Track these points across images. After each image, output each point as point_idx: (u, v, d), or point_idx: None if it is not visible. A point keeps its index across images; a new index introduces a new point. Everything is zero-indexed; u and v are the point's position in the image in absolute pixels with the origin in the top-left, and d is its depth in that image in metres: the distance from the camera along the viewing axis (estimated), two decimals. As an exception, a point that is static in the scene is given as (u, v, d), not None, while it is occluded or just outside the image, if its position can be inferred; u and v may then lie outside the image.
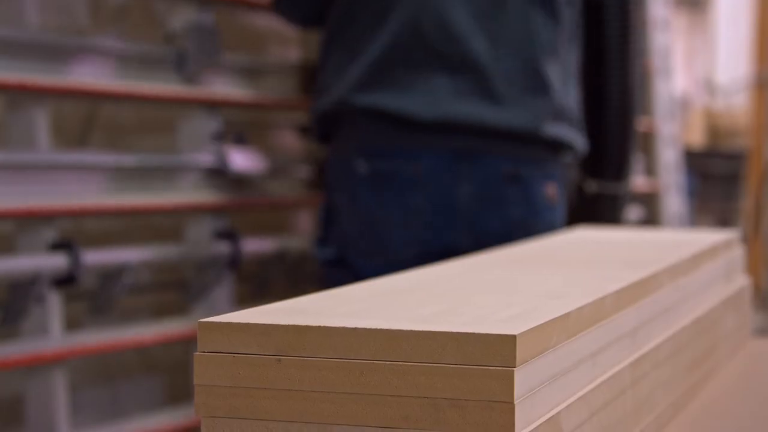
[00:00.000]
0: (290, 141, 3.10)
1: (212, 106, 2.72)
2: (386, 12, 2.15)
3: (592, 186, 2.55)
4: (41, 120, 2.45)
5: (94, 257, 2.47)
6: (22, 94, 2.41)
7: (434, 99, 2.10)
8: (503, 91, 2.10)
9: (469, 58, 2.10)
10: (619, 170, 2.54)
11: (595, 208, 2.58)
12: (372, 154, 2.17)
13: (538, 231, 2.09)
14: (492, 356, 0.79)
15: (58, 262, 2.36)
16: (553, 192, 2.17)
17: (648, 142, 5.17)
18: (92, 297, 2.58)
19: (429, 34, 2.11)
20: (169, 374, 3.13)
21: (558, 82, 2.16)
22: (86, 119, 2.88)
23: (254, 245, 2.72)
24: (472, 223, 2.10)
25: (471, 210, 2.10)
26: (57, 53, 2.47)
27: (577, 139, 2.22)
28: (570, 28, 2.21)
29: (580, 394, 0.91)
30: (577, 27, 2.26)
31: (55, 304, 2.45)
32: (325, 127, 2.25)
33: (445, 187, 2.09)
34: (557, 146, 2.16)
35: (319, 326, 0.83)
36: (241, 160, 2.66)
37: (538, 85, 2.13)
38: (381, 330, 0.82)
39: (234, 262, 2.69)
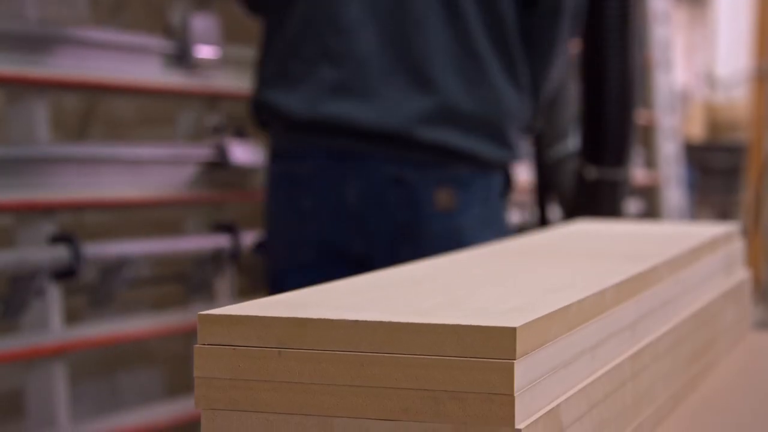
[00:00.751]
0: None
1: (212, 98, 2.72)
2: (289, 4, 2.07)
3: (592, 172, 2.55)
4: (40, 113, 2.44)
5: (95, 250, 2.47)
6: (22, 87, 2.41)
7: (313, 97, 2.00)
8: (381, 89, 1.98)
9: (353, 53, 1.99)
10: (618, 156, 2.54)
11: (595, 194, 2.58)
12: (274, 154, 2.12)
13: (429, 238, 1.98)
14: (492, 349, 0.79)
15: (58, 255, 2.36)
16: (447, 198, 2.00)
17: (648, 135, 5.17)
18: (92, 290, 2.58)
19: (320, 28, 2.01)
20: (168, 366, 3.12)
21: (454, 83, 2.00)
22: (85, 112, 2.87)
23: (254, 238, 2.72)
24: (362, 225, 2.00)
25: (359, 212, 1.99)
26: (56, 46, 2.47)
27: (480, 147, 2.03)
28: (500, 27, 2.05)
29: (580, 386, 0.91)
30: (534, 27, 2.11)
31: (55, 297, 2.45)
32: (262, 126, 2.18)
33: (333, 188, 2.00)
34: (445, 152, 2.00)
35: (320, 319, 0.83)
36: (241, 153, 2.66)
37: (421, 84, 1.99)
38: (381, 322, 0.82)
39: (234, 255, 2.69)
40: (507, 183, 2.13)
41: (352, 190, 1.99)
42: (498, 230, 2.06)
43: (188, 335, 2.77)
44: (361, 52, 1.99)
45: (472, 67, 2.01)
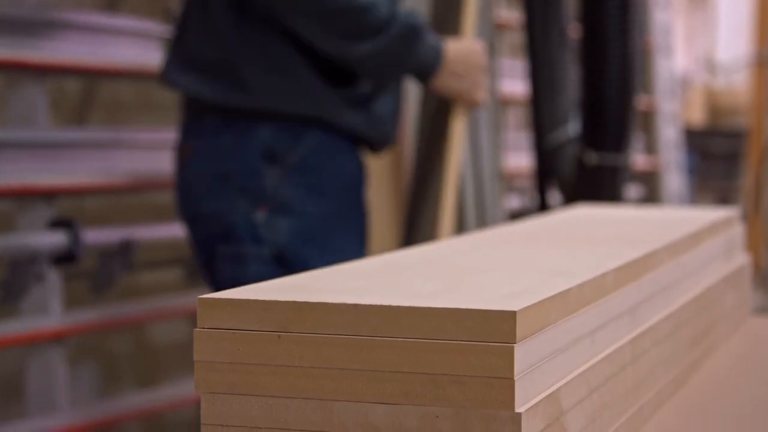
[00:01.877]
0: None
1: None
2: None
3: (592, 158, 2.55)
4: (40, 97, 2.44)
5: (94, 235, 2.47)
6: (21, 72, 2.41)
7: None
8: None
9: None
10: (618, 141, 2.53)
11: (595, 180, 2.58)
12: None
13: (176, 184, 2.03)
14: (492, 332, 0.79)
15: (57, 240, 2.36)
16: (185, 149, 2.02)
17: (648, 120, 5.17)
18: (92, 275, 2.58)
19: None
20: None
21: (198, 33, 1.97)
22: (85, 97, 2.87)
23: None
24: None
25: None
26: (56, 30, 2.47)
27: (208, 90, 1.96)
28: None
29: (580, 370, 0.91)
30: None
31: (54, 282, 2.45)
32: None
33: None
34: (189, 98, 2.01)
35: (320, 302, 0.83)
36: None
37: (176, 35, 2.03)
38: (381, 306, 0.81)
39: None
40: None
41: None
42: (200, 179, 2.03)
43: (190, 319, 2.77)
44: None
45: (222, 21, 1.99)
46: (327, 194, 1.95)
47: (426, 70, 2.03)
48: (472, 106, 2.17)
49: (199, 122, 1.96)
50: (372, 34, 1.92)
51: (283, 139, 1.92)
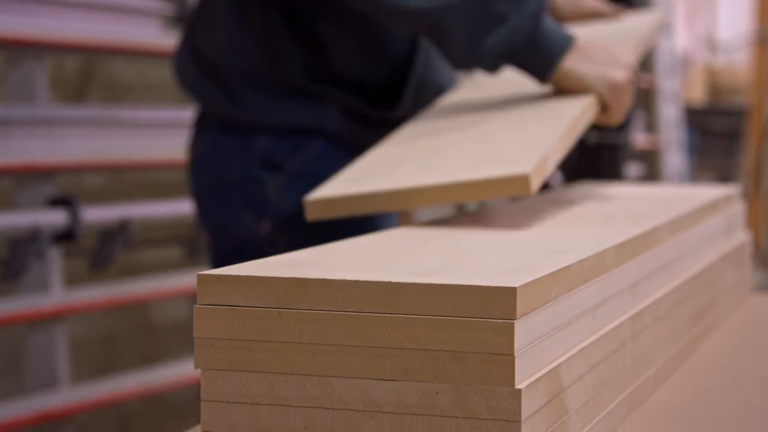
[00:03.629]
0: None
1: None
2: None
3: (592, 136, 2.54)
4: (40, 75, 2.43)
5: (94, 213, 2.47)
6: (21, 49, 2.40)
7: None
8: None
9: None
10: None
11: (596, 158, 2.58)
12: None
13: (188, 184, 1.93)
14: (492, 309, 0.79)
15: (57, 218, 2.36)
16: (192, 148, 1.86)
17: (649, 99, 5.16)
18: (92, 253, 2.58)
19: None
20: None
21: (201, 28, 1.83)
22: (84, 74, 2.86)
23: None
24: None
25: None
26: (56, 7, 2.46)
27: (207, 95, 1.83)
28: None
29: (580, 347, 0.91)
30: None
31: (54, 259, 2.45)
32: None
33: None
34: None
35: (320, 279, 0.83)
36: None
37: (188, 24, 1.89)
38: (381, 282, 0.81)
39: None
40: None
41: None
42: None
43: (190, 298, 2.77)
44: None
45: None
46: None
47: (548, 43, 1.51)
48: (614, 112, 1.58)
49: (205, 121, 1.86)
50: None
51: (283, 146, 1.82)
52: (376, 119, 1.74)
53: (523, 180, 1.19)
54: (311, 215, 1.38)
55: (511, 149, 1.31)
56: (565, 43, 1.51)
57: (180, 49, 1.86)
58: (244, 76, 1.74)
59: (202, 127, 1.83)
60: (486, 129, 1.43)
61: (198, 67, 1.81)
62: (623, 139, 2.60)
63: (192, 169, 1.86)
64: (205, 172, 1.83)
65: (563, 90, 1.51)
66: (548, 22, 1.51)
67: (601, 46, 1.54)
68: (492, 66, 1.50)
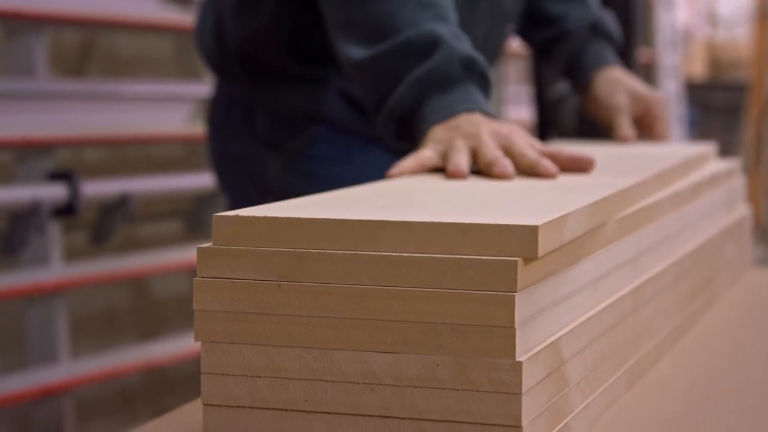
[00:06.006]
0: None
1: (211, 35, 2.69)
2: None
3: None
4: (39, 49, 2.43)
5: (94, 188, 2.47)
6: (20, 23, 2.39)
7: None
8: None
9: None
10: None
11: (595, 132, 2.57)
12: None
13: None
14: (493, 281, 0.79)
15: (57, 192, 2.36)
16: (209, 120, 1.87)
17: (649, 74, 5.15)
18: (92, 228, 2.58)
19: None
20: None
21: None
22: (84, 48, 2.86)
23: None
24: None
25: None
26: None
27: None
28: None
29: (581, 320, 0.91)
30: None
31: (54, 234, 2.45)
32: None
33: None
34: None
35: (319, 252, 0.83)
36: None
37: None
38: (382, 255, 0.81)
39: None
40: None
41: None
42: None
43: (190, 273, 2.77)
44: None
45: None
46: (335, 185, 1.65)
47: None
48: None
49: (219, 95, 1.85)
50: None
51: (283, 129, 1.80)
52: None
53: None
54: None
55: None
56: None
57: (203, 12, 1.82)
58: (243, 60, 1.74)
59: (217, 98, 1.84)
60: None
61: (216, 42, 1.80)
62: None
63: (208, 138, 1.87)
64: (218, 142, 1.84)
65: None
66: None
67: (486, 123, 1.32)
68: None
